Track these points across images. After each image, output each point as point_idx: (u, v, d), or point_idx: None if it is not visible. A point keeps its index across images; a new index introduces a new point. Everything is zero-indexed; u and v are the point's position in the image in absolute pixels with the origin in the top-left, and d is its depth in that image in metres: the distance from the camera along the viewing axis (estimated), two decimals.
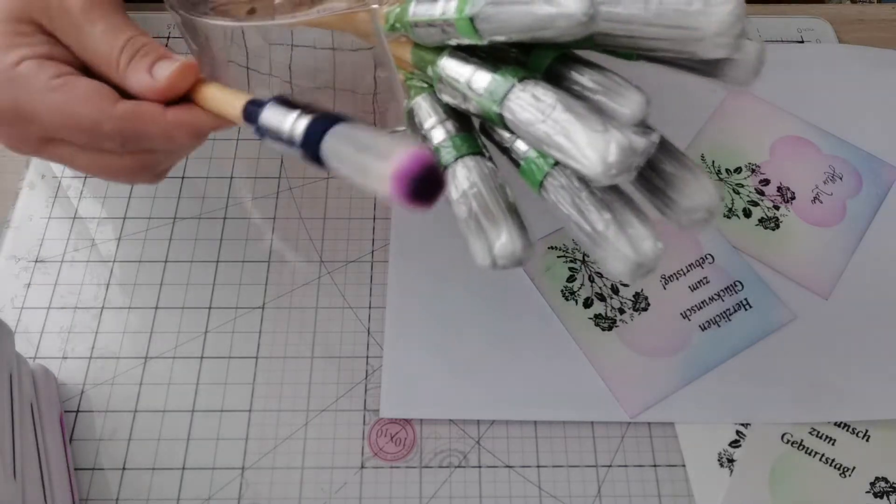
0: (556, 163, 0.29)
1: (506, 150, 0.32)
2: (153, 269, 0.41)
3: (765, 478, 0.36)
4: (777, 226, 0.44)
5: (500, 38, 0.28)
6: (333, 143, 0.26)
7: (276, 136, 0.27)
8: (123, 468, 0.36)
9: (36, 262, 0.41)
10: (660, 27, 0.27)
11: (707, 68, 0.31)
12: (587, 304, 0.41)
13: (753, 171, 0.46)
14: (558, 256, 0.42)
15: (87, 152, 0.32)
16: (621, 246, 0.28)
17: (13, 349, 0.33)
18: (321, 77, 0.43)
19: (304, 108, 0.27)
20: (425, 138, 0.33)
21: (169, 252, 0.42)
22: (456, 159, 0.31)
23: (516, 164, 0.31)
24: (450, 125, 0.32)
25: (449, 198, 0.31)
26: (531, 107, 0.27)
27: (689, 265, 0.42)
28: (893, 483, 0.36)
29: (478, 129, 0.33)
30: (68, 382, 0.38)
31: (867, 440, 0.37)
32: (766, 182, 0.45)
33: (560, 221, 0.30)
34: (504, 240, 0.29)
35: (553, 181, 0.29)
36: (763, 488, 0.36)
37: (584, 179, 0.29)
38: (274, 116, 0.27)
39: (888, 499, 0.36)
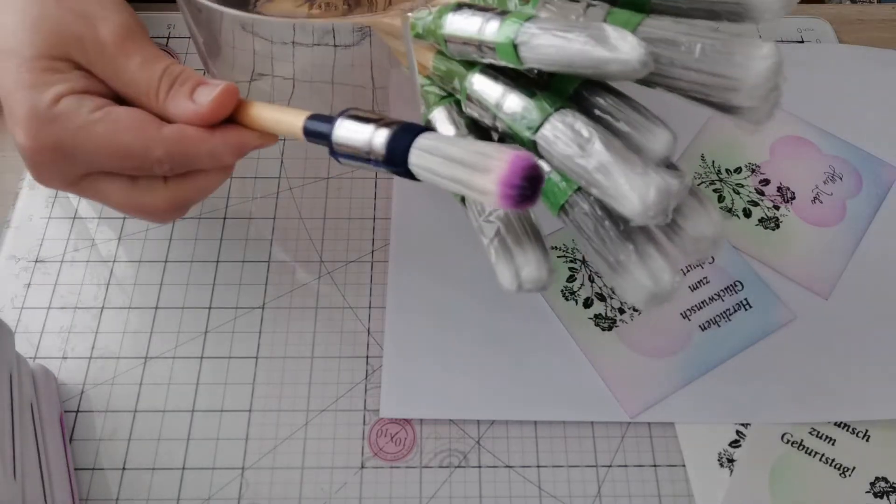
0: (580, 188, 0.29)
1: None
2: (153, 269, 0.41)
3: (765, 478, 0.36)
4: (777, 226, 0.44)
5: (540, 68, 0.28)
6: (422, 158, 0.25)
7: (353, 152, 0.27)
8: (123, 468, 0.36)
9: (36, 262, 0.41)
10: (700, 73, 0.27)
11: (726, 109, 0.31)
12: (587, 304, 0.41)
13: (753, 171, 0.46)
14: (558, 256, 0.42)
15: (126, 186, 0.32)
16: (640, 277, 0.28)
17: (13, 349, 0.33)
18: (320, 72, 0.43)
19: (377, 121, 0.27)
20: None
21: (169, 252, 0.42)
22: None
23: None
24: (470, 137, 0.32)
25: (471, 217, 0.31)
26: (569, 139, 0.27)
27: (689, 265, 0.42)
28: (893, 483, 0.36)
29: None
30: (68, 382, 0.38)
31: (867, 440, 0.37)
32: (766, 182, 0.45)
33: (577, 241, 0.30)
34: (532, 266, 0.29)
35: (576, 206, 0.30)
36: (763, 488, 0.36)
37: (607, 208, 0.29)
38: (348, 132, 0.27)
39: (888, 499, 0.36)
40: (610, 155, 0.26)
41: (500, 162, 0.23)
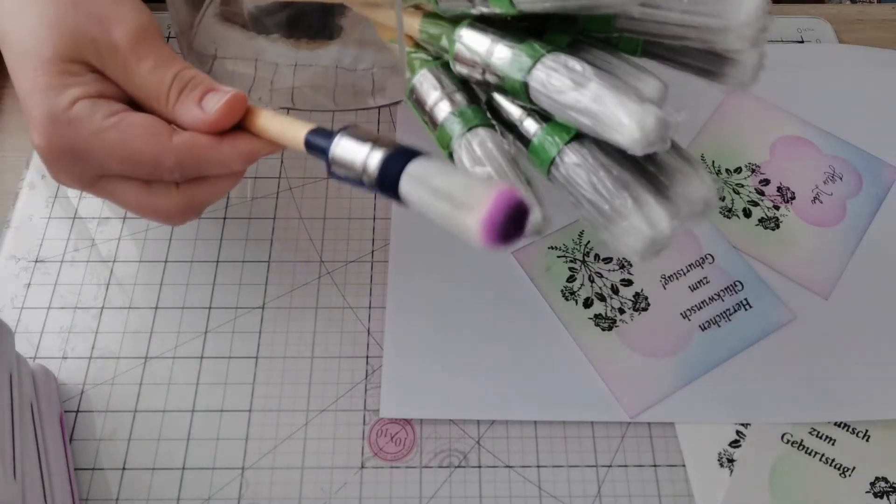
0: (571, 139, 0.29)
1: (513, 128, 0.32)
2: (153, 269, 0.41)
3: (765, 478, 0.36)
4: (777, 226, 0.44)
5: (533, 8, 0.29)
6: (412, 186, 0.25)
7: (348, 170, 0.27)
8: (123, 468, 0.36)
9: (36, 262, 0.41)
10: (689, 14, 0.28)
11: (710, 68, 0.31)
12: (587, 304, 0.41)
13: (753, 171, 0.46)
14: (558, 256, 0.42)
15: (140, 190, 0.33)
16: (637, 222, 0.28)
17: (13, 349, 0.33)
18: (322, 78, 0.43)
19: (375, 141, 0.27)
20: (430, 113, 0.33)
21: (169, 252, 0.42)
22: (467, 130, 0.31)
23: (524, 142, 0.31)
24: (458, 97, 0.32)
25: (460, 167, 0.31)
26: (563, 75, 0.28)
27: (689, 265, 0.42)
28: (893, 483, 0.36)
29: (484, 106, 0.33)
30: (68, 382, 0.38)
31: (867, 440, 0.37)
32: (766, 182, 0.45)
33: (570, 199, 0.30)
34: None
35: (567, 158, 0.30)
36: (763, 488, 0.36)
37: (600, 158, 0.29)
38: (345, 150, 0.27)
39: (888, 499, 0.36)
40: (606, 85, 0.27)
41: (484, 199, 0.23)
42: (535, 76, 0.28)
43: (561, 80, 0.28)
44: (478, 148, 0.30)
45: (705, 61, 0.31)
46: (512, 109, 0.32)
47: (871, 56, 0.51)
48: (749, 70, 0.30)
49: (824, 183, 0.45)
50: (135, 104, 0.32)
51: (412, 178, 0.25)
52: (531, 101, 0.30)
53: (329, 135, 0.28)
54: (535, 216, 0.28)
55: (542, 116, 0.31)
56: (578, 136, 0.30)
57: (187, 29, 0.40)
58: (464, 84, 0.33)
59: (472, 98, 0.33)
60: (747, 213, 0.44)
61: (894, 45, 0.52)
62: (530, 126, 0.31)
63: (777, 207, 0.44)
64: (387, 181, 0.26)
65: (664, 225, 0.28)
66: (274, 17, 0.41)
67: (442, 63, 0.34)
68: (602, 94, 0.27)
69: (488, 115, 0.33)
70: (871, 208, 0.44)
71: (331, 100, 0.42)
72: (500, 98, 0.32)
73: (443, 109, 0.32)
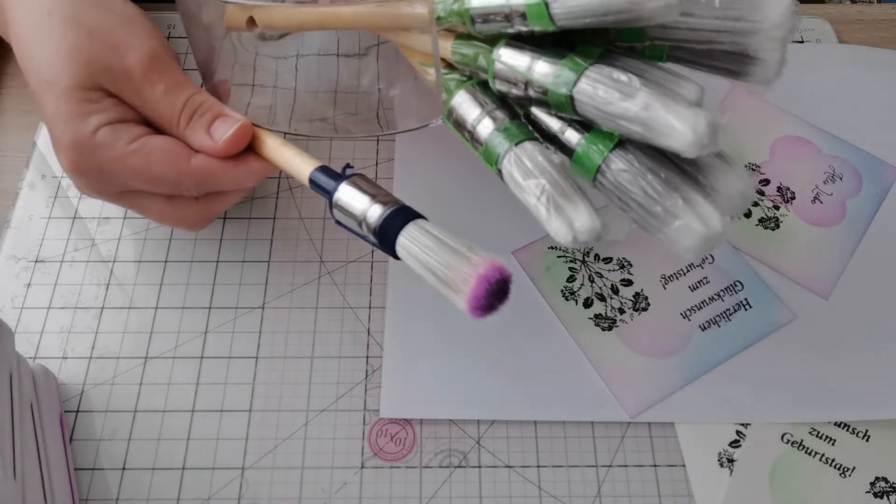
0: (615, 146, 0.30)
1: (553, 140, 0.33)
2: (153, 269, 0.41)
3: (765, 478, 0.36)
4: (777, 226, 0.44)
5: (573, 24, 0.29)
6: (407, 248, 0.28)
7: (347, 218, 0.30)
8: (123, 468, 0.36)
9: (36, 262, 0.41)
10: (720, 20, 0.29)
11: (735, 68, 0.33)
12: (587, 304, 0.41)
13: (753, 171, 0.46)
14: (558, 256, 0.42)
15: (162, 203, 0.36)
16: (691, 222, 0.29)
17: (13, 349, 0.33)
18: (324, 82, 0.43)
19: (375, 195, 0.29)
20: (472, 132, 0.33)
21: (169, 252, 0.42)
22: (515, 145, 0.32)
23: (567, 152, 0.32)
24: (498, 114, 0.33)
25: (511, 182, 0.32)
26: (609, 87, 0.28)
27: (689, 265, 0.42)
28: (893, 483, 0.36)
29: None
30: (68, 382, 0.38)
31: (867, 440, 0.37)
32: (766, 182, 0.45)
33: (618, 205, 0.31)
34: (584, 216, 0.29)
35: (614, 165, 0.30)
36: (763, 488, 0.36)
37: (646, 162, 0.30)
38: (348, 197, 0.30)
39: (888, 499, 0.36)
40: (654, 93, 0.27)
41: (467, 281, 0.25)
42: (581, 89, 0.29)
43: (608, 91, 0.28)
44: (528, 161, 0.31)
45: (731, 62, 0.32)
46: (551, 122, 0.32)
47: (871, 56, 0.51)
48: (773, 68, 0.31)
49: (824, 183, 0.45)
50: (153, 125, 0.35)
51: (409, 239, 0.28)
52: (577, 113, 0.30)
53: (334, 176, 0.31)
54: (594, 224, 0.29)
55: (583, 126, 0.31)
56: (621, 143, 0.30)
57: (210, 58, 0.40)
58: (502, 101, 0.33)
59: (513, 114, 0.33)
60: (747, 213, 0.44)
61: (894, 45, 0.52)
62: (572, 136, 0.32)
63: (777, 207, 0.44)
64: (386, 238, 0.28)
65: (716, 222, 0.29)
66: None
67: (477, 82, 0.34)
68: (651, 103, 0.27)
69: (530, 128, 0.33)
70: (871, 208, 0.44)
71: (351, 124, 0.42)
72: (538, 112, 0.33)
73: (486, 126, 0.33)
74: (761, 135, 0.47)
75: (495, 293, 0.25)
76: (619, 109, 0.28)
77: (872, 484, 0.36)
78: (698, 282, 0.41)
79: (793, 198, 0.45)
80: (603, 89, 0.29)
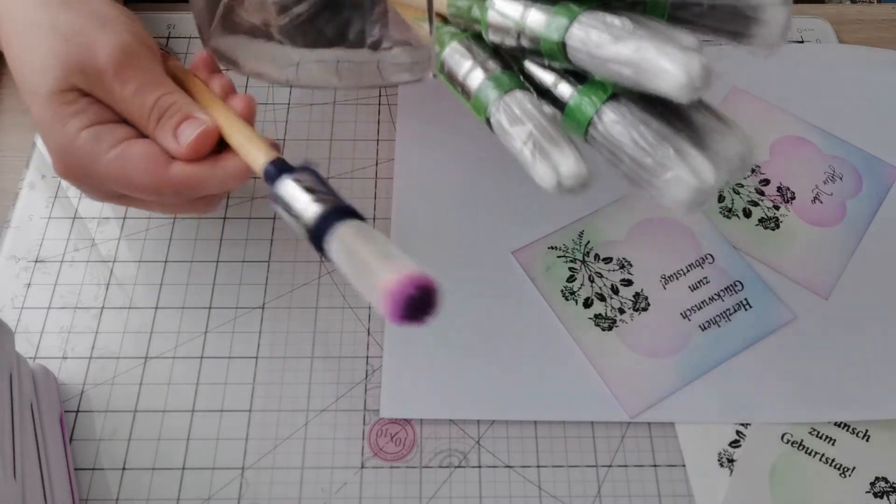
0: (608, 99, 0.30)
1: (546, 94, 0.32)
2: (153, 269, 0.41)
3: (765, 478, 0.36)
4: (777, 226, 0.44)
5: None
6: (336, 251, 0.27)
7: (286, 209, 0.29)
8: (123, 468, 0.36)
9: (36, 262, 0.41)
10: None
11: (738, 29, 0.32)
12: (587, 304, 0.41)
13: (753, 171, 0.46)
14: (558, 256, 0.42)
15: (150, 204, 0.36)
16: (683, 174, 0.28)
17: (13, 349, 0.33)
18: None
19: (320, 193, 0.29)
20: (463, 83, 0.33)
21: (169, 252, 0.42)
22: (504, 93, 0.31)
23: (559, 106, 0.32)
24: (490, 64, 0.33)
25: (499, 130, 0.31)
26: (601, 31, 0.28)
27: (689, 265, 0.42)
28: (893, 483, 0.36)
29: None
30: (68, 382, 0.38)
31: (867, 440, 0.37)
32: (766, 182, 0.45)
33: (609, 158, 0.30)
34: (571, 161, 0.29)
35: (606, 116, 0.30)
36: (763, 488, 0.36)
37: (639, 114, 0.29)
38: (287, 194, 0.29)
39: (888, 499, 0.36)
40: (646, 35, 0.27)
41: (384, 290, 0.24)
42: (574, 34, 0.29)
43: (600, 35, 0.28)
44: (516, 109, 0.30)
45: (733, 23, 0.31)
46: (544, 76, 0.32)
47: (871, 56, 0.51)
48: (777, 30, 0.31)
49: (824, 183, 0.45)
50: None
51: (335, 245, 0.27)
52: (568, 61, 0.30)
53: (285, 169, 0.30)
54: (580, 170, 0.28)
55: (576, 80, 0.31)
56: (615, 96, 0.30)
57: (206, 34, 0.40)
58: (495, 52, 0.33)
59: (505, 65, 0.33)
60: (747, 213, 0.44)
61: (894, 45, 0.52)
62: (564, 90, 0.31)
63: (777, 207, 0.44)
64: (316, 238, 0.28)
65: (709, 174, 0.28)
66: (290, 22, 0.41)
67: (471, 35, 0.34)
68: (643, 45, 0.27)
69: (522, 79, 0.33)
70: (871, 208, 0.44)
71: (341, 78, 0.41)
72: (531, 66, 0.32)
73: (477, 76, 0.32)
74: (761, 135, 0.47)
75: (413, 306, 0.24)
76: (610, 53, 0.28)
77: (872, 484, 0.36)
78: (698, 282, 0.41)
79: (793, 198, 0.45)
80: (595, 33, 0.28)
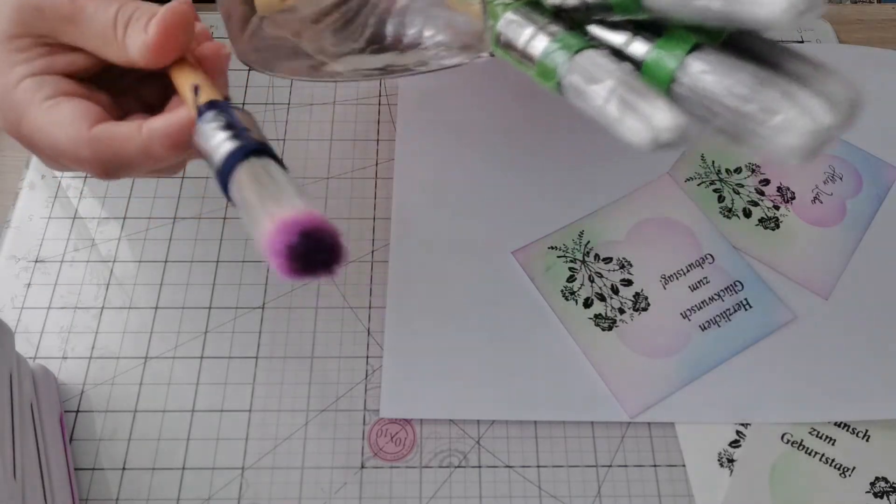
0: (692, 49, 0.27)
1: (618, 54, 0.30)
2: (153, 269, 0.41)
3: (765, 478, 0.36)
4: (777, 226, 0.44)
5: None
6: (234, 189, 0.24)
7: (203, 148, 0.26)
8: (123, 468, 0.36)
9: (36, 262, 0.41)
10: None
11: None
12: (587, 304, 0.41)
13: (753, 171, 0.46)
14: (558, 256, 0.42)
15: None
16: (794, 115, 0.25)
17: (13, 349, 0.33)
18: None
19: (239, 130, 0.25)
20: (524, 51, 0.31)
21: (169, 252, 0.42)
22: (576, 53, 0.28)
23: (636, 64, 0.29)
24: (552, 28, 0.30)
25: (573, 93, 0.28)
26: None
27: (689, 265, 0.42)
28: (893, 483, 0.36)
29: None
30: (68, 382, 0.38)
31: (867, 440, 0.37)
32: (766, 182, 0.45)
33: (700, 116, 0.27)
34: (665, 111, 0.25)
35: (693, 68, 0.27)
36: (763, 488, 0.36)
37: (729, 62, 0.27)
38: (207, 130, 0.26)
39: (888, 499, 0.36)
40: None
41: (264, 241, 0.21)
42: None
43: None
44: (591, 67, 0.28)
45: None
46: (613, 37, 0.29)
47: (871, 56, 0.51)
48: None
49: (824, 183, 0.45)
50: (98, 77, 0.31)
51: (233, 189, 0.24)
52: (643, 10, 0.27)
53: (217, 107, 0.27)
54: (677, 120, 0.25)
55: (650, 36, 0.29)
56: (696, 47, 0.27)
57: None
58: (555, 17, 0.31)
59: (569, 27, 0.30)
60: (747, 213, 0.44)
61: (894, 45, 0.52)
62: (638, 48, 0.28)
63: (777, 207, 0.44)
64: (224, 169, 0.24)
65: (825, 114, 0.25)
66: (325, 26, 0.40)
67: (525, 3, 0.31)
68: None
69: (589, 39, 0.30)
70: (871, 208, 0.44)
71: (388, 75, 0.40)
72: (596, 29, 0.30)
73: (540, 42, 0.30)
74: None
75: (300, 257, 0.21)
76: None
77: (872, 484, 0.36)
78: (698, 282, 0.41)
79: (793, 198, 0.45)
80: None
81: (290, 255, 0.21)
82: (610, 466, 0.37)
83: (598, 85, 0.27)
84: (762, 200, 0.44)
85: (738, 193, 0.45)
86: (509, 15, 0.31)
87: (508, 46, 0.32)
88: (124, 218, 0.43)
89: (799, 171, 0.46)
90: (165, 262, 0.42)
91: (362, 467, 0.36)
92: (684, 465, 0.37)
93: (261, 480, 0.36)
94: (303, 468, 0.36)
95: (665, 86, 0.28)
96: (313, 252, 0.21)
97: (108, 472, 0.36)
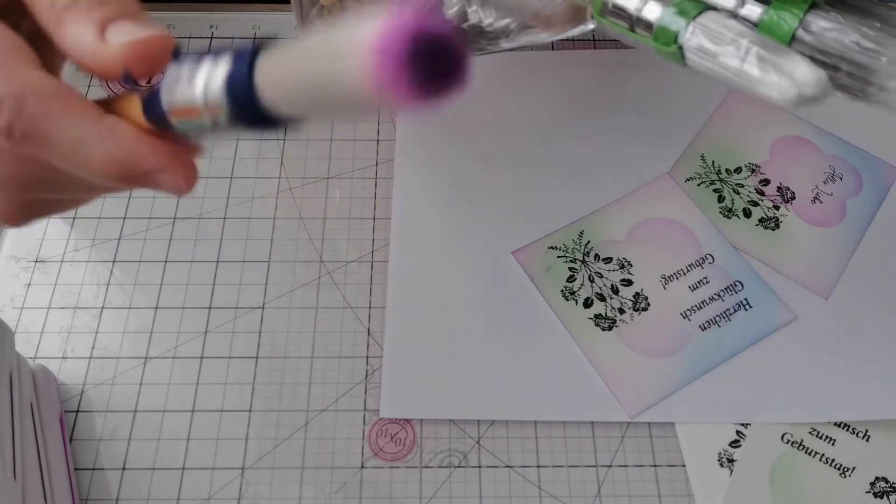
0: (810, 7, 0.27)
1: (731, 16, 0.29)
2: (153, 269, 0.41)
3: (765, 478, 0.36)
4: (777, 226, 0.44)
5: None
6: (271, 86, 0.17)
7: (189, 114, 0.19)
8: (123, 468, 0.36)
9: (36, 262, 0.41)
10: None
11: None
12: (587, 304, 0.41)
13: (753, 171, 0.46)
14: (558, 256, 0.42)
15: None
16: None
17: (13, 349, 0.33)
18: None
19: (213, 54, 0.18)
20: (637, 18, 0.30)
21: (169, 252, 0.42)
22: (694, 17, 0.28)
23: (752, 25, 0.29)
24: None
25: (700, 56, 0.28)
26: None
27: (689, 265, 0.42)
28: (893, 483, 0.36)
29: None
30: (68, 382, 0.38)
31: (867, 440, 0.37)
32: (766, 182, 0.45)
33: (821, 67, 0.27)
34: (805, 66, 0.25)
35: (815, 25, 0.27)
36: (763, 488, 0.36)
37: (851, 17, 0.27)
38: (173, 76, 0.19)
39: (888, 499, 0.36)
40: None
41: (368, 32, 0.14)
42: None
43: None
44: (719, 27, 0.27)
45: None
46: (725, 1, 0.29)
47: None
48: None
49: (824, 183, 0.45)
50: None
51: (270, 73, 0.17)
52: None
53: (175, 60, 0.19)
54: (819, 73, 0.25)
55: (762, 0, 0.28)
56: (815, 6, 0.27)
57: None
58: None
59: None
60: (747, 213, 0.44)
61: None
62: (752, 10, 0.28)
63: (777, 207, 0.44)
64: (245, 108, 0.17)
65: None
66: None
67: None
68: None
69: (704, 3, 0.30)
70: (871, 208, 0.44)
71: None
72: None
73: (654, 9, 0.29)
74: (761, 135, 0.47)
75: (424, 46, 0.14)
76: None
77: (872, 484, 0.36)
78: (698, 282, 0.41)
79: (793, 198, 0.45)
80: None
81: (416, 61, 0.14)
82: (610, 466, 0.37)
83: (730, 45, 0.26)
84: (762, 200, 0.44)
85: (738, 193, 0.45)
86: None
87: (619, 15, 0.31)
88: (124, 218, 0.43)
89: (799, 172, 0.46)
90: (165, 262, 0.42)
91: (362, 467, 0.36)
92: (684, 465, 0.37)
93: (261, 480, 0.36)
94: (303, 468, 0.36)
95: (789, 36, 0.27)
96: (437, 58, 0.14)
97: (108, 472, 0.36)
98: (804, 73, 0.25)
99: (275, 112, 0.17)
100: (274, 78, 0.17)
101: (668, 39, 0.29)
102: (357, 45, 0.14)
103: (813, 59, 0.27)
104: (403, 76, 0.14)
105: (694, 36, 0.28)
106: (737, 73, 0.26)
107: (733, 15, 0.29)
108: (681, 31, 0.28)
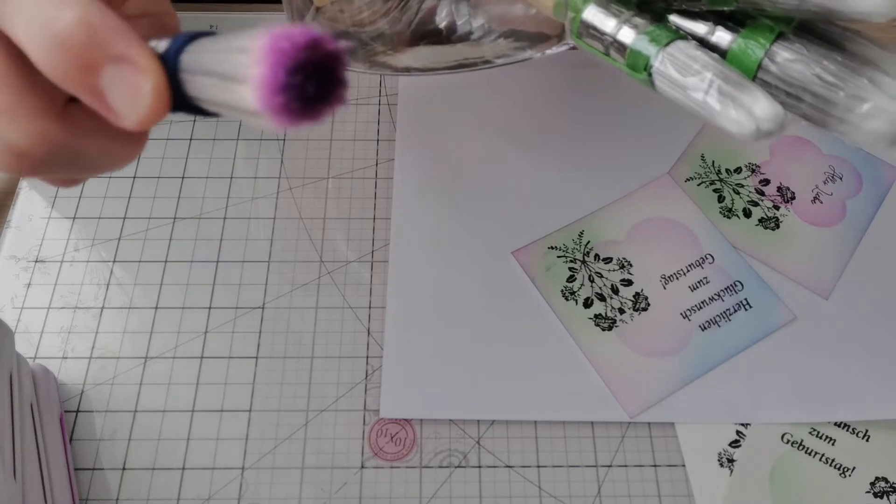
0: (777, 38, 0.28)
1: (702, 42, 0.30)
2: (153, 269, 0.41)
3: (765, 478, 0.36)
4: (777, 226, 0.44)
5: None
6: (190, 84, 0.18)
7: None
8: (123, 468, 0.36)
9: (36, 262, 0.41)
10: None
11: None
12: (587, 304, 0.41)
13: (753, 171, 0.46)
14: (558, 256, 0.42)
15: None
16: (883, 102, 0.26)
17: (13, 349, 0.33)
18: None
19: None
20: (612, 45, 0.31)
21: (169, 252, 0.42)
22: (665, 46, 0.29)
23: (720, 53, 0.29)
24: (638, 20, 0.30)
25: (666, 84, 0.29)
26: None
27: (689, 265, 0.42)
28: (893, 483, 0.36)
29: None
30: (68, 382, 0.38)
31: (867, 440, 0.37)
32: (766, 182, 0.45)
33: (786, 102, 0.28)
34: (764, 102, 0.26)
35: (780, 56, 0.28)
36: (763, 488, 0.36)
37: (815, 50, 0.27)
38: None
39: (888, 499, 0.36)
40: None
41: (256, 49, 0.15)
42: None
43: None
44: (685, 58, 0.28)
45: None
46: (696, 26, 0.30)
47: None
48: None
49: (824, 183, 0.45)
50: None
51: (188, 71, 0.18)
52: (726, 6, 0.28)
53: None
54: (776, 109, 0.26)
55: (733, 26, 0.29)
56: (781, 35, 0.28)
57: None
58: (638, 8, 0.31)
59: (654, 19, 0.31)
60: (747, 213, 0.44)
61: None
62: (722, 38, 0.29)
63: (777, 207, 0.44)
64: (173, 84, 0.18)
65: None
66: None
67: None
68: None
69: (677, 31, 0.30)
70: (871, 208, 0.44)
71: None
72: (677, 19, 0.31)
73: (627, 34, 0.30)
74: None
75: (308, 62, 0.15)
76: None
77: (872, 484, 0.36)
78: (698, 282, 0.41)
79: (793, 198, 0.45)
80: None
81: (303, 70, 0.15)
82: (610, 466, 0.37)
83: (695, 77, 0.27)
84: (762, 200, 0.45)
85: (738, 193, 0.45)
86: (591, 8, 0.31)
87: (593, 38, 0.32)
88: (124, 218, 0.43)
89: (799, 172, 0.46)
90: (165, 262, 0.42)
91: (362, 467, 0.36)
92: (684, 465, 0.37)
93: (261, 480, 0.36)
94: (303, 468, 0.36)
95: (752, 73, 0.28)
96: (317, 71, 0.15)
97: (108, 472, 0.36)
98: (763, 109, 0.26)
99: (196, 101, 0.18)
100: (188, 70, 0.18)
101: (639, 66, 0.30)
102: (242, 68, 0.16)
103: (777, 89, 0.28)
104: (281, 108, 0.15)
105: (663, 65, 0.29)
106: (701, 105, 0.27)
107: (704, 42, 0.30)
108: (651, 58, 0.29)
